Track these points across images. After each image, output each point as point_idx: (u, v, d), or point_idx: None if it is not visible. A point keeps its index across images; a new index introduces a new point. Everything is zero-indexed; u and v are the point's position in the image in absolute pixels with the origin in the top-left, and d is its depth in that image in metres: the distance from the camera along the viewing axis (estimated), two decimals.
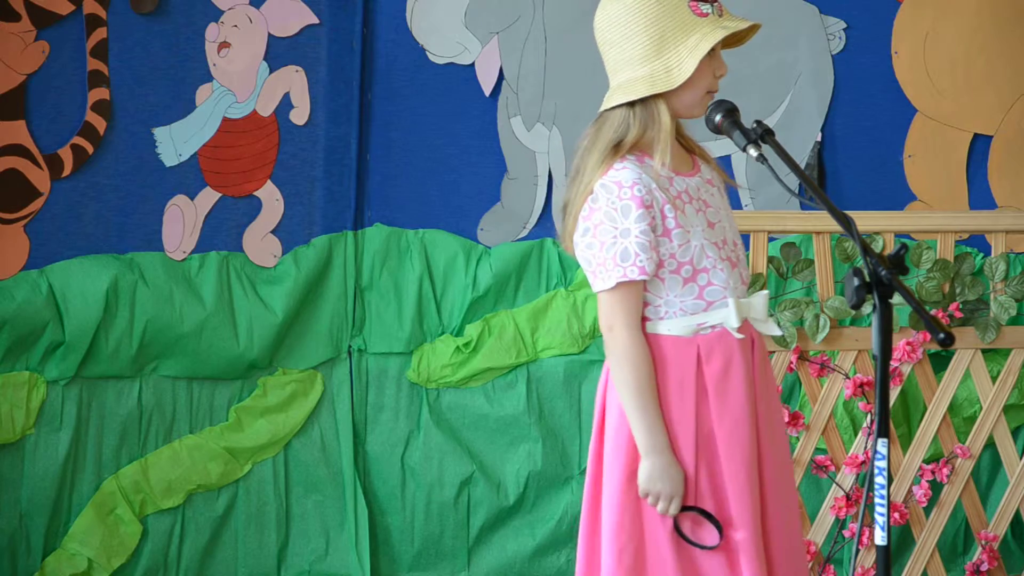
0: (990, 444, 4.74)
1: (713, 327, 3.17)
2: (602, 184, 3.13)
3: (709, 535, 3.14)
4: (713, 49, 3.15)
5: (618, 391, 3.14)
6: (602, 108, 3.18)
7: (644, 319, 3.16)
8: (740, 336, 3.17)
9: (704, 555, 3.14)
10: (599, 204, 3.13)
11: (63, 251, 5.01)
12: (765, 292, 3.25)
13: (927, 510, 4.60)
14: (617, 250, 3.10)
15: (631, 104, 3.15)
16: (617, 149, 3.15)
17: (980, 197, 5.11)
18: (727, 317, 3.16)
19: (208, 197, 5.11)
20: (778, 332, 3.31)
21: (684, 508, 3.13)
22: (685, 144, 3.27)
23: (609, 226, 3.11)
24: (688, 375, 3.14)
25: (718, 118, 3.22)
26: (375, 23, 5.18)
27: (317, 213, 5.16)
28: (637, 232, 3.10)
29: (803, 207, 4.80)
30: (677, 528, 3.13)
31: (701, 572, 3.14)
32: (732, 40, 3.23)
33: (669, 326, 3.16)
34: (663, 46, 3.13)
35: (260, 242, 5.14)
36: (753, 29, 3.21)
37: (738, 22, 3.16)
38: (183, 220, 5.09)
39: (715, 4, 3.16)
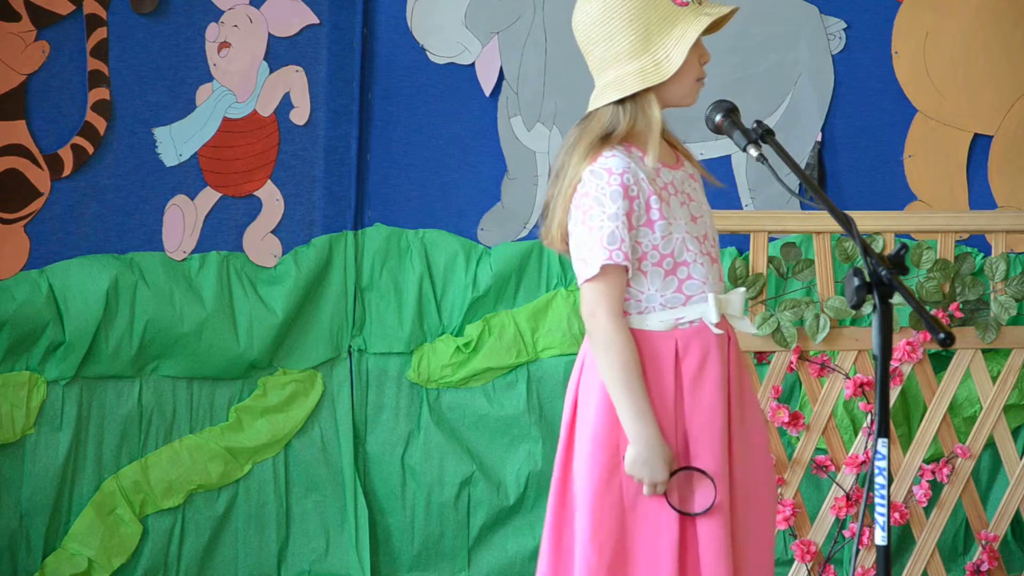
0: (990, 444, 4.74)
1: (691, 322, 3.17)
2: (591, 170, 3.14)
3: (698, 503, 3.14)
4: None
5: (604, 379, 3.14)
6: (592, 107, 3.19)
7: (625, 313, 3.16)
8: (719, 332, 3.18)
9: (691, 543, 3.14)
10: (587, 189, 3.14)
11: (63, 251, 5.01)
12: (742, 290, 3.25)
13: (927, 510, 4.60)
14: (605, 232, 3.11)
15: (620, 100, 3.15)
16: (605, 141, 3.15)
17: (980, 197, 5.11)
18: (706, 312, 3.17)
19: (208, 197, 5.11)
20: (753, 330, 3.32)
21: (677, 470, 3.14)
22: (668, 139, 3.28)
23: (598, 210, 3.12)
24: (667, 370, 3.15)
25: (718, 118, 3.22)
26: (375, 23, 5.18)
27: (317, 213, 5.16)
28: (623, 217, 3.11)
29: (803, 207, 4.80)
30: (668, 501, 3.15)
31: (688, 559, 3.15)
32: (711, 27, 3.23)
33: (648, 320, 3.16)
34: (649, 40, 3.13)
35: (260, 242, 5.14)
36: (731, 14, 3.22)
37: (719, 8, 3.17)
38: (183, 220, 5.09)
39: None
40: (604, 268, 3.11)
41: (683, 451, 3.15)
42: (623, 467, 3.14)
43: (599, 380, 3.16)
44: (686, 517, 3.15)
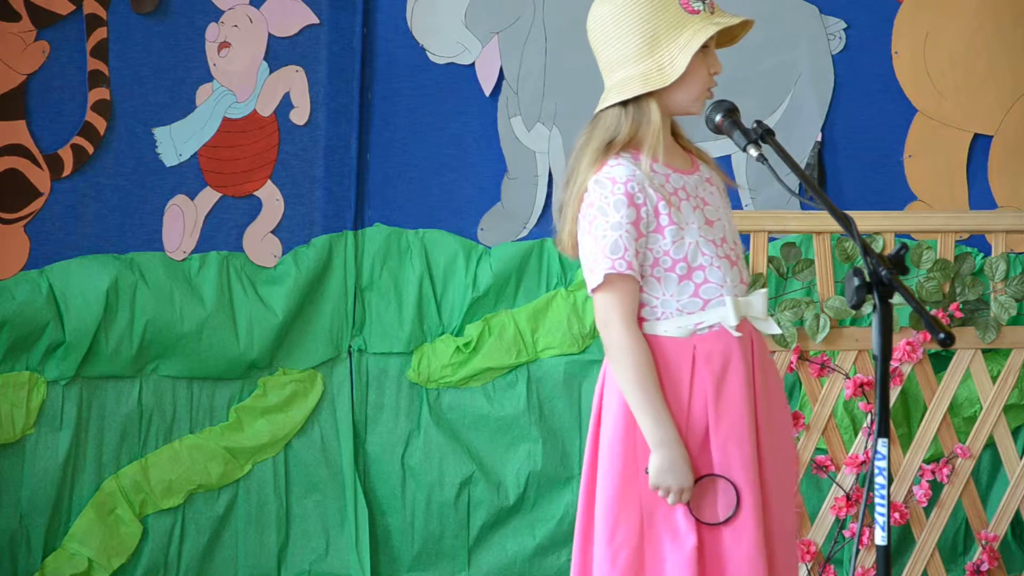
0: (990, 444, 4.74)
1: (711, 327, 3.17)
2: (596, 180, 3.15)
3: (722, 512, 3.13)
4: (707, 46, 3.16)
5: (621, 388, 3.14)
6: (597, 108, 3.19)
7: (641, 319, 3.16)
8: (738, 335, 3.17)
9: (706, 556, 3.14)
10: (592, 199, 3.14)
11: (63, 251, 5.01)
12: (764, 291, 3.24)
13: (927, 510, 4.60)
14: (608, 242, 3.11)
15: (624, 103, 3.16)
16: (609, 148, 3.16)
17: (980, 197, 5.11)
18: (725, 316, 3.16)
19: (208, 197, 5.11)
20: (777, 331, 3.30)
21: (700, 477, 3.13)
22: (683, 143, 3.28)
23: (602, 220, 3.12)
24: (683, 377, 3.14)
25: (718, 118, 3.22)
26: (375, 23, 5.18)
27: (317, 213, 5.16)
28: (627, 226, 3.11)
29: (803, 207, 4.80)
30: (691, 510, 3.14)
31: (703, 572, 3.14)
32: (726, 38, 3.23)
33: (666, 327, 3.16)
34: (655, 44, 3.13)
35: (260, 242, 5.14)
36: (746, 26, 3.21)
37: (730, 18, 3.16)
38: (183, 220, 5.09)
39: (707, 1, 3.17)
40: (608, 277, 3.12)
41: (709, 458, 3.14)
42: (642, 475, 3.13)
43: (619, 389, 3.16)
44: (705, 526, 3.14)
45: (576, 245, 3.20)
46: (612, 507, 3.15)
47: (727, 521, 3.13)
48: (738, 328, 3.16)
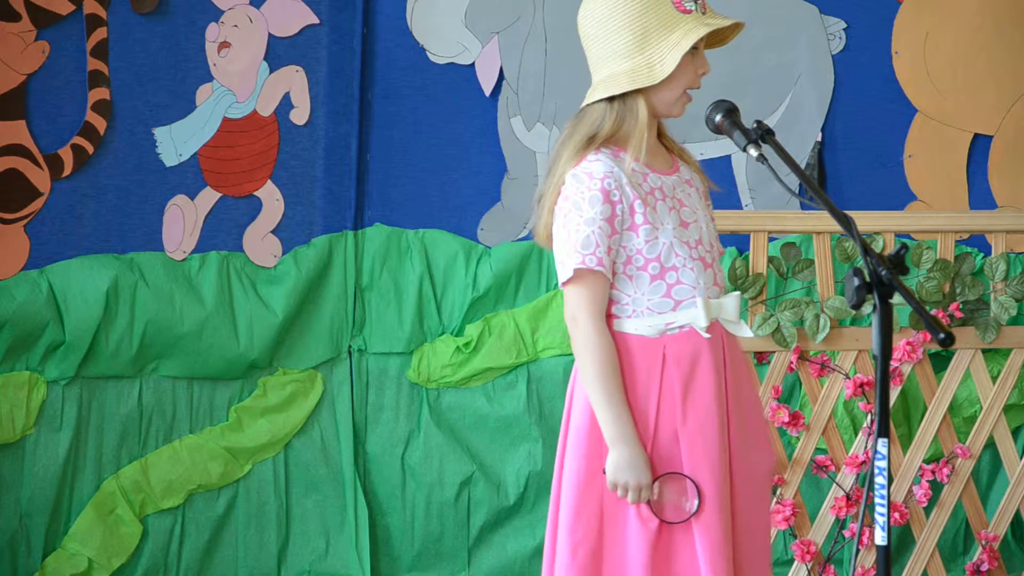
0: (990, 444, 4.74)
1: (681, 327, 3.17)
2: (573, 174, 3.15)
3: (685, 509, 3.13)
4: (697, 47, 3.16)
5: (583, 383, 3.15)
6: (584, 103, 3.19)
7: (612, 316, 3.17)
8: (707, 336, 3.17)
9: (663, 555, 3.13)
10: (568, 193, 3.15)
11: (63, 251, 5.01)
12: (737, 293, 3.24)
13: (927, 510, 4.60)
14: (580, 237, 3.12)
15: (611, 99, 3.16)
16: (591, 142, 3.16)
17: (980, 197, 5.11)
18: (695, 317, 3.16)
19: (208, 197, 5.11)
20: (749, 334, 3.29)
21: (663, 475, 3.13)
22: (666, 144, 3.28)
23: (576, 215, 3.13)
24: (652, 376, 3.14)
25: (718, 118, 3.22)
26: (375, 23, 5.18)
27: (317, 213, 5.16)
28: (601, 222, 3.11)
29: (803, 207, 4.80)
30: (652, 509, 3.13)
31: (660, 570, 3.14)
32: (715, 40, 3.23)
33: (636, 325, 3.16)
34: (646, 42, 3.14)
35: (260, 242, 5.14)
36: (736, 28, 3.21)
37: (721, 19, 3.17)
38: (183, 220, 5.09)
39: (698, 1, 3.17)
40: (578, 272, 3.12)
41: (678, 457, 3.14)
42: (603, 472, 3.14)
43: None
44: (664, 525, 3.13)
45: (551, 237, 3.21)
46: (574, 502, 3.16)
47: (688, 519, 3.13)
48: (709, 330, 3.16)
